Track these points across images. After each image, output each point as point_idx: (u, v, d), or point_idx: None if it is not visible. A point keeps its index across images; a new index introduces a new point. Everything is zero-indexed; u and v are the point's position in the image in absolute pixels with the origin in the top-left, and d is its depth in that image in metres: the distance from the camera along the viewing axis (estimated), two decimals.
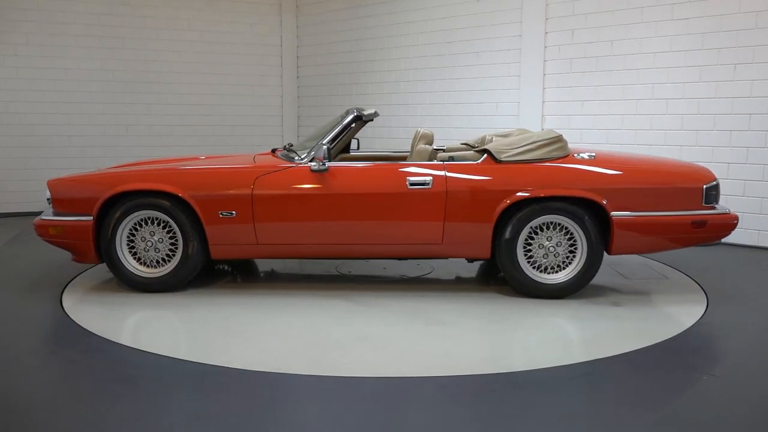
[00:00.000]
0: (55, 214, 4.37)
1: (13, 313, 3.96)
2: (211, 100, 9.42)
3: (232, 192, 4.22)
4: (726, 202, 5.85)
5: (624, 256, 4.90)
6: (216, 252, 4.33)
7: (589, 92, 6.78)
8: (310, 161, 4.26)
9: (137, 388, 2.86)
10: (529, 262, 4.17)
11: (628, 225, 4.05)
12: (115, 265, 4.33)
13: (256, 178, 4.24)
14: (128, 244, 4.35)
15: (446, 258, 4.48)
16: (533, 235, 4.15)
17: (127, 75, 8.89)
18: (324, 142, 4.27)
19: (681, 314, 3.90)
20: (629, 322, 3.76)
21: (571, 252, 4.16)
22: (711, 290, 4.39)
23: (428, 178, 4.15)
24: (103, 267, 4.91)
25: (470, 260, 4.46)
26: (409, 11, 8.31)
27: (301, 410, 2.65)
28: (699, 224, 4.06)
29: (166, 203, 4.24)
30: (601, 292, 4.35)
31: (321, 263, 5.18)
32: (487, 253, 4.21)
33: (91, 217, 4.25)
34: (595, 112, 6.76)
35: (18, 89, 8.30)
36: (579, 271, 4.15)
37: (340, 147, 5.48)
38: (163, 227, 4.33)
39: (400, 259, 4.59)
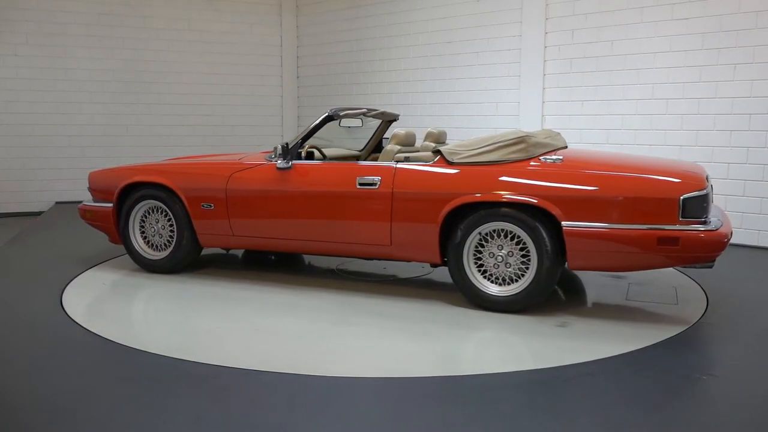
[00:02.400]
0: (93, 201, 5.10)
1: (13, 312, 3.96)
2: (211, 100, 9.43)
3: (211, 186, 4.60)
4: (726, 202, 5.88)
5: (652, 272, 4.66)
6: (203, 240, 4.73)
7: (589, 92, 6.79)
8: (278, 160, 4.43)
9: (137, 389, 2.86)
10: (480, 270, 3.93)
11: (582, 237, 3.61)
12: (128, 246, 4.92)
13: (231, 174, 4.57)
14: (141, 229, 4.90)
15: (399, 260, 4.34)
16: (483, 242, 3.89)
17: (127, 75, 8.90)
18: (283, 142, 4.43)
19: (681, 314, 3.90)
20: (627, 322, 3.76)
21: (523, 263, 3.81)
22: (711, 290, 4.38)
23: (376, 178, 4.09)
24: (103, 267, 5.03)
25: (433, 266, 4.17)
26: (409, 11, 8.32)
27: (302, 411, 2.65)
28: (668, 241, 3.47)
29: (163, 194, 4.72)
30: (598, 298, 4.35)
31: (321, 260, 5.19)
32: (436, 258, 4.02)
33: (112, 204, 4.88)
34: (595, 112, 6.76)
35: (18, 89, 8.31)
36: (529, 285, 3.77)
37: (371, 147, 5.63)
38: (165, 215, 4.81)
39: (363, 258, 4.48)
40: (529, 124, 7.13)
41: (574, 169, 3.77)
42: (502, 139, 3.95)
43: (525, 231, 3.75)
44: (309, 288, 4.46)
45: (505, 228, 3.81)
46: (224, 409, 2.62)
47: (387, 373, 3.01)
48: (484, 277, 3.92)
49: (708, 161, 5.97)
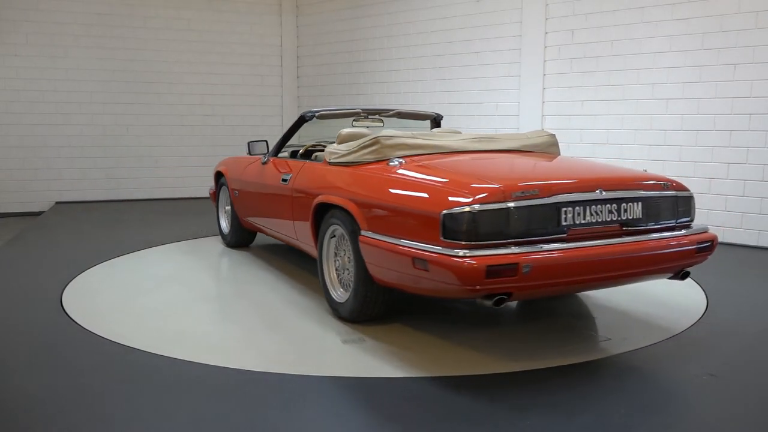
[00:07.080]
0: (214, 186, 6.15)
1: (13, 313, 3.96)
2: (211, 100, 9.43)
3: (236, 177, 5.46)
4: (726, 202, 5.89)
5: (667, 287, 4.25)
6: (242, 222, 5.49)
7: (589, 92, 6.79)
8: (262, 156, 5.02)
9: (137, 388, 2.86)
10: (337, 273, 3.79)
11: (369, 247, 3.25)
12: (217, 221, 6.04)
13: (245, 167, 5.29)
14: (224, 209, 5.91)
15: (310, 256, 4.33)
16: (338, 245, 3.76)
17: (127, 75, 8.91)
18: (256, 139, 5.10)
19: (681, 314, 3.89)
20: (626, 322, 3.76)
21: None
22: (711, 290, 4.38)
23: (289, 175, 4.36)
24: (103, 268, 5.04)
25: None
26: (409, 11, 8.32)
27: (302, 411, 2.65)
28: (420, 264, 2.90)
29: (225, 183, 5.71)
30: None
31: None
32: (315, 254, 4.04)
33: (213, 187, 6.13)
34: (595, 112, 6.76)
35: (18, 89, 8.31)
36: (351, 295, 3.53)
37: None
38: None
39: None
40: (529, 124, 7.13)
41: (391, 172, 3.40)
42: (362, 141, 3.73)
43: (349, 237, 3.49)
44: (310, 287, 4.47)
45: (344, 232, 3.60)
46: (224, 409, 2.62)
47: (373, 373, 3.01)
48: (339, 282, 3.78)
49: (708, 161, 5.98)
